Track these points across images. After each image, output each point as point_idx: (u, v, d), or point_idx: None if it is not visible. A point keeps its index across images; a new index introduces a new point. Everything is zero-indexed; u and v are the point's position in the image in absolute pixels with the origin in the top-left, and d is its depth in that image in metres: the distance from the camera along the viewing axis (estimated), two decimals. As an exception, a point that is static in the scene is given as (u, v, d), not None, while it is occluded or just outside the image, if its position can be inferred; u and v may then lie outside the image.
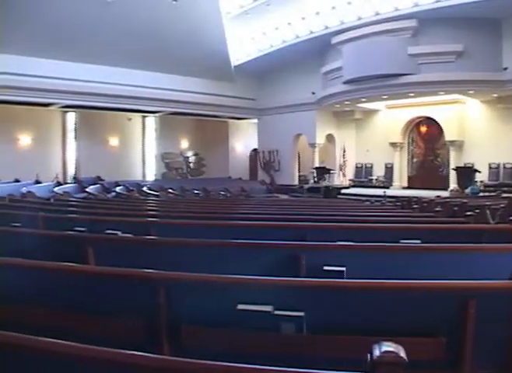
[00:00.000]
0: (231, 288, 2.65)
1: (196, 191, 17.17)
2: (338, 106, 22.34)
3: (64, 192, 14.44)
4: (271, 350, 2.42)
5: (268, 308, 2.41)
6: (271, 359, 2.27)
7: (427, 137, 22.18)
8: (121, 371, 1.63)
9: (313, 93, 22.67)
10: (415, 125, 22.47)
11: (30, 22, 17.11)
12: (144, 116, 26.39)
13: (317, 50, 21.67)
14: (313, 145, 23.91)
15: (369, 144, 23.85)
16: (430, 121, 21.33)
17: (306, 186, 22.59)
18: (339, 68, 20.33)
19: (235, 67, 24.10)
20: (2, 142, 21.25)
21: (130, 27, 18.77)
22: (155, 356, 1.63)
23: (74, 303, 2.91)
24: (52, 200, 11.32)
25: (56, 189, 15.33)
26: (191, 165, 28.69)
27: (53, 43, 18.23)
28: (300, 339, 2.43)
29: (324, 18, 20.03)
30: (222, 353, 2.40)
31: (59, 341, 1.73)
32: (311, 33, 20.70)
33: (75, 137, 24.09)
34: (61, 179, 21.81)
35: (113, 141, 25.32)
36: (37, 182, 18.18)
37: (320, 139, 23.79)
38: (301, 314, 2.40)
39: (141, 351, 1.63)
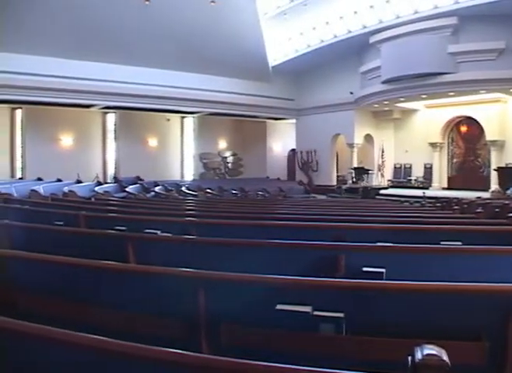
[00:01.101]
0: (270, 288, 2.64)
1: (234, 191, 17.23)
2: (376, 105, 22.14)
3: (105, 191, 14.68)
4: (310, 350, 2.41)
5: (307, 309, 2.40)
6: (309, 359, 2.26)
7: (467, 137, 21.78)
8: (163, 369, 1.65)
9: (352, 93, 22.51)
10: (454, 125, 22.09)
11: (74, 25, 17.42)
12: (182, 117, 26.61)
13: (355, 50, 21.52)
14: (351, 145, 23.73)
15: (408, 145, 23.55)
16: (471, 121, 20.94)
17: (344, 187, 22.45)
18: (377, 68, 20.15)
19: (273, 67, 24.11)
20: (45, 143, 21.79)
21: (169, 29, 18.95)
22: (195, 354, 1.64)
23: (114, 301, 2.96)
24: (93, 200, 11.51)
25: (96, 188, 15.56)
26: (229, 165, 28.80)
27: (94, 45, 18.56)
28: (340, 340, 2.40)
29: (362, 17, 19.88)
30: (261, 352, 2.41)
31: (103, 338, 1.76)
32: (349, 32, 20.56)
33: (115, 138, 24.46)
34: (101, 179, 22.14)
35: (153, 142, 25.59)
36: (78, 181, 18.46)
37: (359, 139, 23.61)
38: (340, 315, 2.38)
39: (180, 349, 1.64)
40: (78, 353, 1.81)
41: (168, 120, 26.09)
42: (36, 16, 16.58)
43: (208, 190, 16.70)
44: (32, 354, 1.92)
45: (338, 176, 25.50)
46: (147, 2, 17.49)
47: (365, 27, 19.99)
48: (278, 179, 27.27)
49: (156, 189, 16.49)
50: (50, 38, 17.59)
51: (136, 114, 23.81)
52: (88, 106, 21.92)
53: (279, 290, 2.62)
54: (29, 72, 18.02)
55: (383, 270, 3.15)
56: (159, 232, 4.59)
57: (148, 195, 15.06)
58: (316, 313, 2.40)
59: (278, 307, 2.44)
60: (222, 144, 28.57)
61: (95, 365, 1.77)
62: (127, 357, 1.70)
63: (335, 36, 21.17)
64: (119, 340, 1.72)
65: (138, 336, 2.09)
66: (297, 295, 2.53)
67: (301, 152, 26.19)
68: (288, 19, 21.95)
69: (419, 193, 17.44)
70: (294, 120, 27.23)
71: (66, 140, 22.88)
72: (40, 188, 14.14)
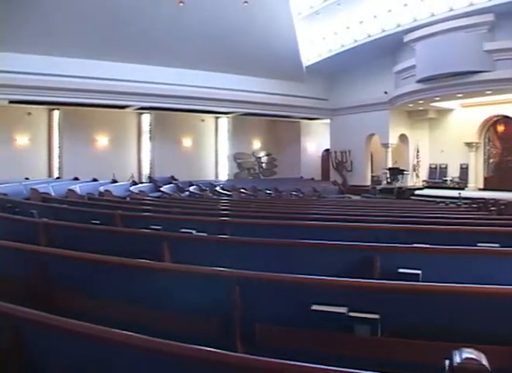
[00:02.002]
0: (305, 288, 2.65)
1: (268, 191, 17.25)
2: (411, 105, 21.90)
3: (140, 191, 14.84)
4: (345, 351, 2.40)
5: (343, 310, 2.39)
6: (344, 361, 2.26)
7: (504, 136, 21.36)
8: (199, 368, 1.67)
9: (386, 93, 22.32)
10: (491, 124, 21.68)
11: (109, 28, 17.66)
12: (217, 117, 26.74)
13: (389, 49, 21.33)
14: (385, 145, 23.53)
15: (444, 144, 23.22)
16: (508, 120, 20.55)
17: (378, 187, 22.25)
18: (412, 67, 19.93)
19: (306, 67, 24.05)
20: (81, 143, 22.18)
21: (202, 29, 19.06)
22: (233, 353, 1.65)
23: (150, 300, 2.99)
24: (128, 199, 11.65)
25: (132, 188, 15.75)
26: (263, 165, 28.83)
27: (129, 47, 18.82)
28: (375, 342, 2.39)
29: (396, 15, 19.70)
30: (295, 353, 2.40)
31: (138, 335, 1.79)
32: (383, 31, 20.39)
33: (150, 138, 24.70)
34: (136, 179, 22.41)
35: (187, 142, 25.77)
36: (114, 181, 18.72)
37: (393, 139, 23.39)
38: (376, 316, 2.37)
39: (214, 348, 1.65)
40: (113, 349, 1.85)
41: (202, 120, 26.25)
42: (71, 20, 16.88)
43: (242, 190, 16.74)
44: (75, 352, 1.96)
45: (372, 177, 25.27)
46: (181, 4, 17.61)
47: (399, 26, 19.81)
48: (312, 179, 27.19)
49: (191, 188, 16.60)
50: (86, 41, 17.92)
51: (171, 115, 24.02)
52: (123, 107, 22.21)
53: (314, 290, 2.62)
54: (66, 74, 18.41)
55: (419, 272, 3.12)
56: (194, 232, 4.63)
57: (182, 195, 15.18)
58: (351, 314, 2.39)
59: (314, 307, 2.44)
60: (257, 144, 28.60)
61: (132, 361, 1.81)
62: (165, 354, 1.72)
63: (369, 36, 21.01)
64: (154, 338, 1.75)
65: (174, 334, 2.11)
66: (332, 296, 2.53)
67: (335, 152, 26.08)
68: (321, 19, 21.89)
69: (454, 193, 17.14)
70: (328, 120, 27.11)
71: (102, 140, 23.22)
72: (77, 187, 14.37)
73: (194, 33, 19.11)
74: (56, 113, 22.62)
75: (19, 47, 17.36)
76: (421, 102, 20.92)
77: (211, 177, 25.81)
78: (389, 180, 22.51)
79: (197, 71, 21.46)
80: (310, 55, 23.86)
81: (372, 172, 25.50)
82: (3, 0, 15.05)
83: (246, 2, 18.41)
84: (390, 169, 22.90)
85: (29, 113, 21.75)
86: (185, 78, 21.17)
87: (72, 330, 1.94)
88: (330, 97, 26.16)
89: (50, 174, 22.41)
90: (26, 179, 17.80)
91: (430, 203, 13.60)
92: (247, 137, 28.15)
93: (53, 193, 13.45)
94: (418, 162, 23.49)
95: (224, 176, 27.04)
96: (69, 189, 13.86)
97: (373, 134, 24.45)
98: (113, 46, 18.61)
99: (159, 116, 24.24)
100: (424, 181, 23.79)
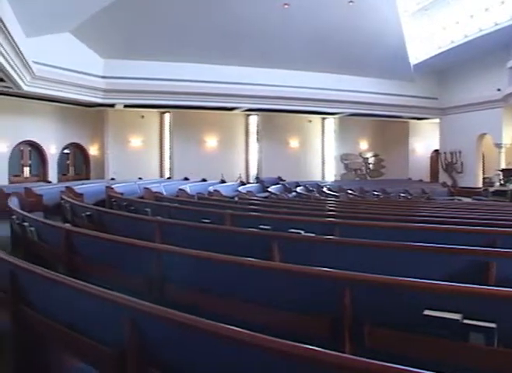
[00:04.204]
0: (418, 293, 2.59)
1: (375, 192, 17.01)
2: (527, 102, 20.78)
3: (248, 191, 15.10)
4: (457, 360, 2.33)
5: (457, 317, 2.32)
6: (455, 370, 2.20)
7: None
8: (307, 366, 1.69)
9: (499, 90, 21.29)
10: None
11: (217, 32, 18.10)
12: (323, 118, 26.63)
13: (502, 43, 20.24)
14: (498, 145, 22.44)
15: None
16: None
17: (491, 189, 21.28)
18: (529, 62, 18.89)
19: (414, 65, 23.38)
20: (191, 144, 22.93)
21: (308, 31, 19.05)
22: (339, 354, 1.66)
23: (259, 297, 3.05)
24: (236, 199, 11.88)
25: (240, 188, 16.05)
26: (371, 166, 28.41)
27: (236, 50, 19.21)
28: (491, 352, 2.28)
29: (509, 8, 18.67)
30: (405, 357, 2.36)
31: (246, 331, 1.84)
32: (496, 24, 19.35)
33: (257, 139, 25.02)
34: (244, 179, 22.82)
35: (294, 143, 25.87)
36: (222, 181, 19.18)
37: (507, 139, 22.25)
38: (492, 325, 2.27)
39: (323, 348, 1.67)
40: (218, 342, 1.94)
41: (309, 121, 26.24)
42: (180, 25, 17.44)
43: (350, 191, 16.61)
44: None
45: (484, 178, 24.22)
46: (286, 6, 17.69)
47: (513, 18, 18.81)
48: (421, 180, 26.47)
49: (298, 189, 16.69)
50: (195, 46, 18.51)
51: (278, 116, 24.22)
52: (231, 109, 22.69)
53: (427, 295, 2.56)
54: (176, 78, 19.16)
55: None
56: (302, 232, 4.65)
57: (289, 195, 15.27)
58: (466, 321, 2.31)
59: (426, 313, 2.39)
60: (364, 144, 28.22)
61: (241, 355, 1.88)
62: (273, 352, 1.76)
63: (481, 30, 20.01)
64: (263, 335, 1.79)
65: (284, 332, 2.15)
66: (445, 301, 2.46)
67: (445, 153, 25.21)
68: (429, 15, 21.22)
69: None
70: (437, 120, 26.28)
71: (211, 141, 23.82)
72: (187, 187, 14.86)
73: (299, 34, 19.15)
74: (167, 116, 23.56)
75: (137, 54, 18.33)
76: (539, 99, 19.80)
77: (317, 178, 25.77)
78: (502, 182, 21.46)
79: (303, 72, 21.53)
80: (418, 53, 23.16)
81: (484, 173, 24.42)
82: (125, 12, 15.82)
83: (351, 1, 18.17)
84: (503, 170, 21.83)
85: (143, 116, 22.77)
86: (291, 80, 21.30)
87: (183, 323, 2.04)
88: (439, 96, 25.33)
89: (161, 174, 23.37)
90: (140, 179, 18.68)
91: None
92: (354, 138, 27.83)
93: (164, 193, 14.01)
94: (535, 162, 22.27)
95: (331, 176, 26.90)
96: (180, 189, 14.37)
97: (484, 134, 23.38)
98: (221, 50, 19.08)
99: (267, 117, 24.51)
100: (542, 184, 22.50)
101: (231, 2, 16.98)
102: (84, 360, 2.74)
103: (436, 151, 26.75)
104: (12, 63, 12.70)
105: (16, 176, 18.88)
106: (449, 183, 24.49)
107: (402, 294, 2.63)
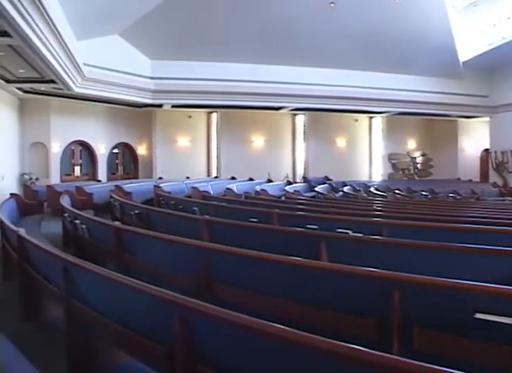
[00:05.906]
0: (469, 295, 2.53)
1: (423, 192, 16.75)
2: None
3: (295, 191, 15.06)
4: (509, 365, 2.28)
5: (510, 321, 2.27)
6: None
7: None
8: (350, 365, 1.69)
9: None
10: None
11: (263, 33, 18.13)
12: (370, 117, 26.38)
13: (556, 38, 19.69)
14: (552, 145, 21.85)
15: None
16: None
17: (544, 190, 20.75)
18: None
19: (463, 63, 22.88)
20: (238, 144, 23.01)
21: (354, 29, 18.87)
22: (383, 354, 1.65)
23: (306, 297, 3.05)
24: (283, 198, 11.87)
25: (287, 188, 16.02)
26: (418, 165, 27.98)
27: (282, 50, 19.17)
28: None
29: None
30: (453, 361, 2.33)
31: (292, 330, 1.85)
32: (548, 19, 18.84)
33: (304, 138, 24.94)
34: (290, 179, 22.79)
35: (341, 142, 25.69)
36: (269, 181, 19.19)
37: (562, 138, 21.66)
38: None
39: (370, 349, 1.66)
40: (262, 339, 1.95)
41: (356, 120, 26.02)
42: (226, 25, 17.54)
43: (397, 191, 16.41)
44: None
45: (537, 179, 23.62)
46: (332, 5, 17.58)
47: None
48: (470, 180, 25.90)
49: (345, 189, 16.56)
50: (241, 46, 18.58)
51: (324, 115, 24.09)
52: (278, 109, 22.67)
53: (479, 298, 2.50)
54: (222, 78, 19.30)
55: None
56: (350, 232, 4.62)
57: (336, 195, 15.17)
58: (518, 326, 2.26)
59: (478, 316, 2.34)
60: (411, 144, 27.81)
61: (287, 353, 1.88)
62: (322, 352, 1.76)
63: (533, 24, 19.49)
64: (309, 334, 1.79)
65: (330, 332, 2.14)
66: (497, 305, 2.41)
67: (495, 152, 24.62)
68: (478, 11, 20.73)
69: None
70: (488, 118, 25.68)
71: (257, 141, 23.86)
72: (234, 186, 14.90)
73: (346, 33, 19.00)
74: (214, 116, 23.71)
75: (184, 55, 18.56)
76: None
77: (365, 178, 25.55)
78: (556, 182, 20.90)
79: (349, 71, 21.37)
80: (467, 50, 22.67)
81: (536, 173, 23.81)
82: (172, 14, 16.02)
83: (397, -1, 17.97)
84: (556, 169, 21.24)
85: (190, 116, 22.99)
86: (338, 79, 21.17)
87: (232, 321, 2.06)
88: (490, 94, 24.74)
89: (208, 173, 23.53)
90: (187, 178, 18.88)
91: None
92: (402, 137, 27.46)
93: (211, 192, 14.11)
94: None
95: (378, 176, 26.62)
96: (227, 188, 14.42)
97: (538, 133, 22.80)
98: (267, 50, 19.10)
99: (313, 116, 24.41)
100: None
101: (277, 2, 16.97)
102: (133, 356, 2.80)
103: (487, 150, 26.14)
104: (63, 65, 12.99)
105: (68, 175, 19.37)
106: (500, 183, 23.92)
107: (453, 297, 2.58)
